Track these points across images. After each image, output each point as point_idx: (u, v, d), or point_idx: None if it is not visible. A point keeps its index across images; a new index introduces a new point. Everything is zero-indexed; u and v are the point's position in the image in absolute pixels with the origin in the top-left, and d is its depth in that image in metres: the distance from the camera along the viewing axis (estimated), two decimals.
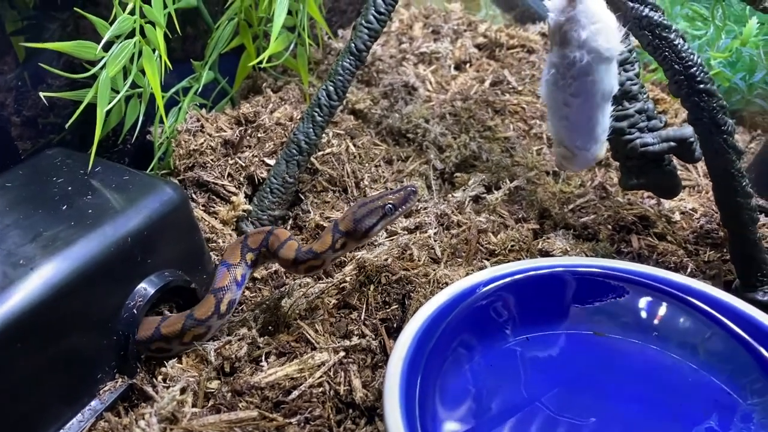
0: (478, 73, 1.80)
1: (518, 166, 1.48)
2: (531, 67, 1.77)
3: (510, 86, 1.70)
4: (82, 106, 1.20)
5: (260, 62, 1.36)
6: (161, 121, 1.41)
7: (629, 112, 1.17)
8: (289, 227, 1.37)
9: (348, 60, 1.29)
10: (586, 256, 1.28)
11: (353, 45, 1.30)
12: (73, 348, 0.97)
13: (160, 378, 1.03)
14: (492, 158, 1.50)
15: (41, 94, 1.26)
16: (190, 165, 1.36)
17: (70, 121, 1.18)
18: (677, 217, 1.38)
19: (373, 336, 1.06)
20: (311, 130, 1.31)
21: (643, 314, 1.02)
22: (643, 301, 1.02)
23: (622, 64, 1.17)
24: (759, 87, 1.68)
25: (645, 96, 1.19)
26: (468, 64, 1.84)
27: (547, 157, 1.53)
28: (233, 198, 1.33)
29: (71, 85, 1.29)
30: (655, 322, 1.02)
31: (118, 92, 1.23)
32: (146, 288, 1.05)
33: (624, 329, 1.02)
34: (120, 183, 1.10)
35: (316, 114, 1.31)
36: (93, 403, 1.01)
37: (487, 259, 1.25)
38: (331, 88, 1.30)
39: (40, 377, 0.93)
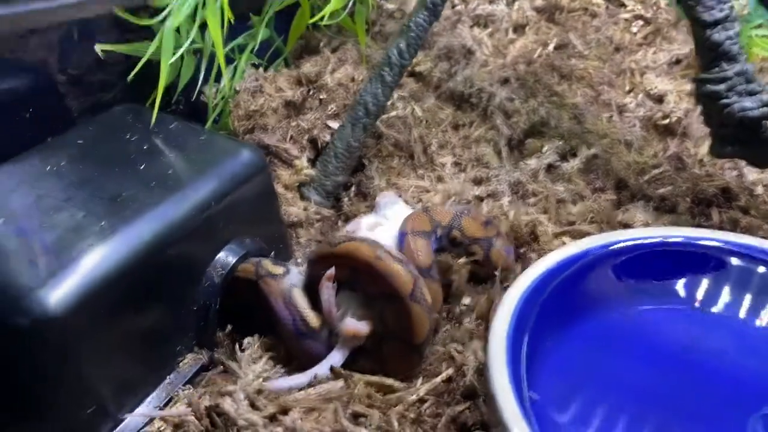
0: (537, 36, 1.71)
1: (589, 133, 1.41)
2: (595, 31, 1.69)
3: (576, 50, 1.62)
4: (144, 58, 1.12)
5: (315, 21, 1.28)
6: (217, 80, 1.33)
7: (728, 74, 1.10)
8: (352, 194, 1.30)
9: (422, 15, 1.21)
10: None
11: None
12: (154, 319, 0.91)
13: (241, 351, 0.97)
14: (561, 125, 1.43)
15: (98, 47, 1.18)
16: (249, 127, 1.29)
17: (131, 75, 1.11)
18: (759, 190, 1.32)
19: None
20: (379, 90, 1.24)
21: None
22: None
23: (722, 21, 1.10)
24: None
25: (744, 57, 1.12)
26: (526, 28, 1.76)
27: (618, 125, 1.47)
28: (296, 162, 1.26)
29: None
30: None
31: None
32: (227, 256, 0.99)
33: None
34: (198, 144, 1.03)
35: (385, 74, 1.23)
36: (172, 376, 0.95)
37: (568, 231, 1.19)
38: (403, 46, 1.22)
39: (120, 350, 0.87)
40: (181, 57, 1.24)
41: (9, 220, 0.86)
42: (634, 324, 0.94)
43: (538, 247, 1.08)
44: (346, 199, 1.28)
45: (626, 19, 1.78)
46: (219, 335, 0.99)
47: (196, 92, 1.27)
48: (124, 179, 0.94)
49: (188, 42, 1.14)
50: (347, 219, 1.26)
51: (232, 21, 1.20)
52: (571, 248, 0.95)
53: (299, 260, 1.17)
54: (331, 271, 0.87)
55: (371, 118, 1.24)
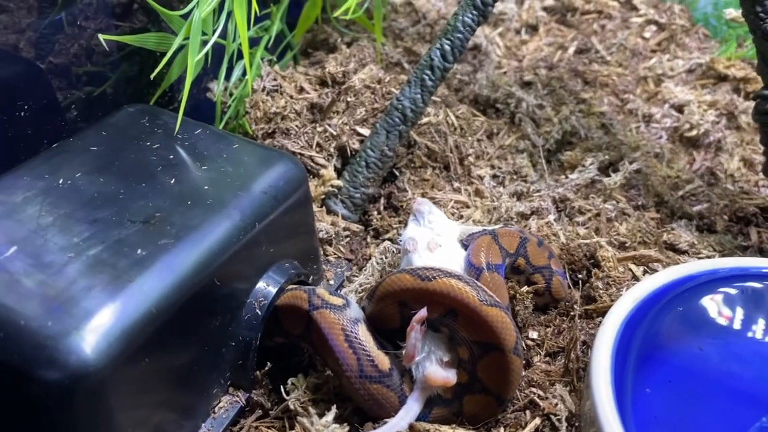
0: (551, 38, 1.64)
1: (622, 145, 1.34)
2: (613, 35, 1.62)
3: (599, 55, 1.55)
4: (172, 49, 0.97)
5: (337, 15, 1.16)
6: (226, 77, 1.20)
7: None
8: (381, 207, 1.19)
9: (471, 14, 1.10)
10: (714, 251, 1.17)
11: None
12: (190, 360, 0.78)
13: (286, 394, 0.85)
14: (591, 135, 1.35)
15: (101, 36, 1.03)
16: (269, 131, 1.16)
17: (155, 72, 0.96)
18: None
19: None
20: (419, 96, 1.13)
21: None
22: None
23: None
24: None
25: None
26: (536, 29, 1.68)
27: (645, 135, 1.40)
28: (322, 171, 1.14)
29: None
30: None
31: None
32: (269, 284, 0.86)
33: None
34: (231, 153, 0.90)
35: (426, 77, 1.12)
36: (207, 424, 0.82)
37: (633, 257, 1.10)
38: (448, 47, 1.11)
39: (155, 399, 0.74)
40: (179, 49, 1.10)
41: (24, 248, 0.71)
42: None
43: (603, 274, 1.00)
44: (375, 212, 1.17)
45: (639, 24, 1.72)
46: (257, 374, 0.87)
47: (219, 89, 1.13)
48: (155, 196, 0.81)
49: (218, 32, 1.00)
50: (377, 235, 1.15)
51: (258, 12, 1.07)
52: (661, 277, 0.87)
53: (332, 281, 1.06)
54: (424, 312, 0.75)
55: (408, 125, 1.13)
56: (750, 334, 0.91)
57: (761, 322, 0.88)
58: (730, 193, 1.30)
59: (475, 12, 1.10)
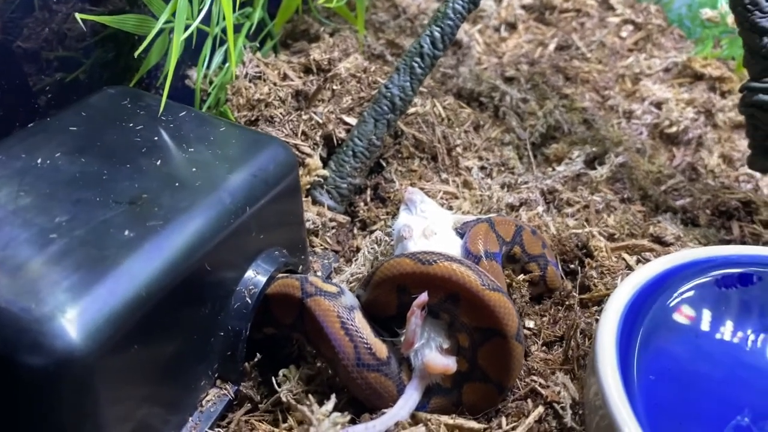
0: (531, 36, 1.63)
1: (605, 140, 1.34)
2: (591, 34, 1.63)
3: (579, 52, 1.55)
4: (153, 32, 0.93)
5: (306, 4, 1.14)
6: (207, 64, 1.16)
7: None
8: (368, 198, 1.16)
9: (461, 1, 1.08)
10: (699, 243, 1.17)
11: None
12: (178, 350, 0.74)
13: (278, 386, 0.81)
14: (575, 130, 1.35)
15: (78, 15, 0.99)
16: (252, 118, 1.12)
17: (139, 50, 0.92)
18: None
19: None
20: (408, 83, 1.11)
21: None
22: None
23: None
24: None
25: None
26: (515, 27, 1.67)
27: (627, 131, 1.41)
28: (308, 161, 1.11)
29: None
30: None
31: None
32: (256, 274, 0.83)
33: None
34: (218, 136, 0.86)
35: (416, 65, 1.10)
36: (195, 417, 0.78)
37: (626, 247, 1.10)
38: (438, 35, 1.09)
39: (141, 390, 0.70)
40: (159, 34, 1.06)
41: (2, 229, 0.66)
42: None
43: (597, 264, 0.98)
44: (362, 203, 1.14)
45: (616, 24, 1.73)
46: (246, 366, 0.83)
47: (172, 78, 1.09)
48: (140, 177, 0.76)
49: (202, 14, 0.96)
50: (364, 226, 1.13)
51: None
52: (660, 263, 0.86)
53: (319, 273, 1.02)
54: (425, 296, 0.73)
55: (397, 113, 1.11)
56: (748, 322, 0.91)
57: (765, 309, 0.88)
58: (711, 188, 1.31)
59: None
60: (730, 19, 1.52)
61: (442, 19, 1.09)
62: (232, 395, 0.81)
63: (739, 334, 0.89)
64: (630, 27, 1.73)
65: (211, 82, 1.19)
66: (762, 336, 0.90)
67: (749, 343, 0.89)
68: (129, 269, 0.66)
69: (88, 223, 0.68)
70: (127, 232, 0.69)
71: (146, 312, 0.66)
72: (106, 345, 0.62)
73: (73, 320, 0.60)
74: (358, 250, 1.08)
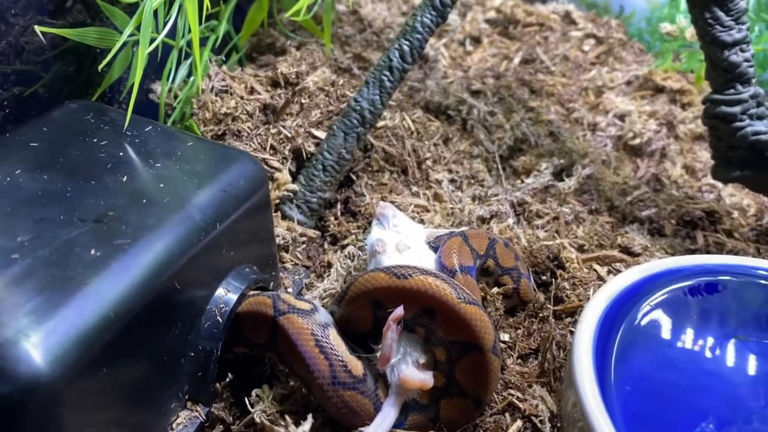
0: (496, 50, 1.65)
1: (572, 152, 1.35)
2: (555, 47, 1.65)
3: (543, 65, 1.57)
4: (117, 45, 0.91)
5: (271, 17, 1.13)
6: (172, 78, 1.14)
7: (743, 96, 1.08)
8: (339, 213, 1.15)
9: (429, 15, 1.08)
10: (666, 253, 1.19)
11: None
12: (146, 372, 0.72)
13: (251, 406, 0.79)
14: (541, 142, 1.36)
15: (37, 28, 0.96)
16: (219, 132, 1.10)
17: (102, 64, 0.90)
18: (736, 214, 1.32)
19: None
20: (377, 97, 1.10)
21: None
22: None
23: (740, 43, 1.07)
24: None
25: (755, 80, 1.10)
26: (479, 41, 1.69)
27: (592, 143, 1.42)
28: (277, 175, 1.09)
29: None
30: None
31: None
32: (227, 292, 0.81)
33: None
34: (185, 151, 0.85)
35: (385, 78, 1.10)
36: None
37: (597, 258, 1.11)
38: (407, 48, 1.09)
39: (107, 416, 0.68)
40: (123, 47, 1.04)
41: None
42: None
43: (569, 275, 0.99)
44: (332, 218, 1.13)
45: (578, 38, 1.76)
46: (217, 387, 0.81)
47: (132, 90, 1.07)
48: (106, 194, 0.74)
49: (168, 26, 0.94)
50: (335, 241, 1.11)
51: (209, 8, 1.02)
52: (636, 272, 0.86)
53: (290, 290, 1.00)
54: (400, 310, 0.71)
55: (366, 127, 1.10)
56: (714, 330, 0.92)
57: (728, 317, 0.89)
58: (675, 198, 1.33)
59: (434, 12, 1.09)
60: (689, 33, 1.55)
61: (410, 32, 1.09)
62: (204, 417, 0.79)
63: (709, 341, 0.91)
64: (592, 41, 1.76)
65: (176, 96, 1.16)
66: (725, 343, 0.91)
67: (717, 350, 0.91)
68: (96, 290, 0.63)
69: (51, 242, 0.66)
70: (93, 251, 0.66)
71: (114, 334, 0.64)
72: (73, 369, 0.59)
73: (37, 344, 0.57)
74: (329, 265, 1.06)
